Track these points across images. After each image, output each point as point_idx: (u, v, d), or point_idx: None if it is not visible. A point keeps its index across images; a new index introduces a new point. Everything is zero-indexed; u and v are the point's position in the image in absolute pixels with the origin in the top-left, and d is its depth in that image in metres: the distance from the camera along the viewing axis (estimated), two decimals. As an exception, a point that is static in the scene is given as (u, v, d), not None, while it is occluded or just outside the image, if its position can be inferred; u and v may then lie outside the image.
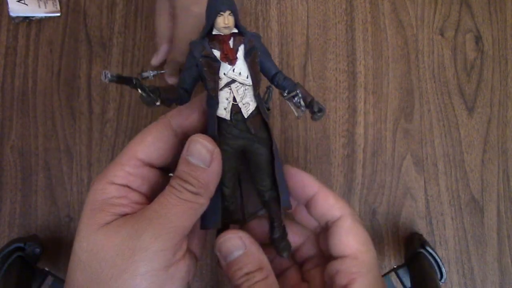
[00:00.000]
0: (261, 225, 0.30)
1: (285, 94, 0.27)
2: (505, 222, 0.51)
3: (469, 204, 0.51)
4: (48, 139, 0.48)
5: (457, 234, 0.50)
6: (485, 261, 0.50)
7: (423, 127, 0.52)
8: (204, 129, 0.28)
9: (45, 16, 0.49)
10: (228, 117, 0.27)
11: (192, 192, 0.25)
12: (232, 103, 0.27)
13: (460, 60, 0.53)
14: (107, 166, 0.27)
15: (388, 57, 0.52)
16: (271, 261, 0.27)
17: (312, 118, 0.27)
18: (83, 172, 0.48)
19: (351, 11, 0.53)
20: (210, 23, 0.26)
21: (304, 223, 0.31)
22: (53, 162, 0.48)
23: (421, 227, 0.50)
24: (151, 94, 0.26)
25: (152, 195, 0.27)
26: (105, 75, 0.23)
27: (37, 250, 0.42)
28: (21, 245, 0.42)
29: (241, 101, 0.27)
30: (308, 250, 0.31)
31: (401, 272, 0.45)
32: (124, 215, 0.25)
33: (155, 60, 0.47)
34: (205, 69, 0.26)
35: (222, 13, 0.26)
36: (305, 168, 0.50)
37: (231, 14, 0.26)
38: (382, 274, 0.46)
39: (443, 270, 0.43)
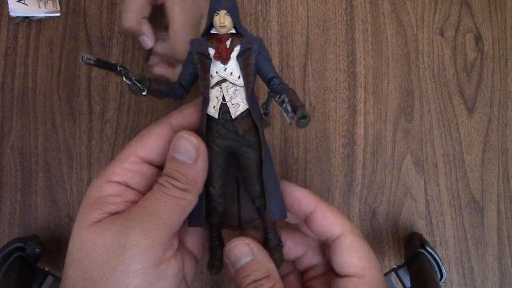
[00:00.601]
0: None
1: (277, 99, 0.27)
2: (505, 222, 0.51)
3: (469, 204, 0.51)
4: (48, 139, 0.48)
5: (457, 234, 0.50)
6: (485, 261, 0.50)
7: (423, 127, 0.52)
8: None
9: (45, 16, 0.49)
10: (216, 115, 0.27)
11: (180, 189, 0.25)
12: (221, 102, 0.27)
13: (460, 60, 0.53)
14: (107, 164, 0.27)
15: (388, 57, 0.52)
16: None
17: (296, 124, 0.26)
18: (83, 172, 0.48)
19: (351, 11, 0.53)
20: (209, 22, 0.27)
21: (310, 234, 0.30)
22: (53, 162, 0.48)
23: (421, 227, 0.50)
24: (138, 84, 0.26)
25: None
26: (81, 58, 0.23)
27: (37, 250, 0.42)
28: (21, 245, 0.42)
29: (230, 101, 0.27)
30: (310, 259, 0.30)
31: (401, 272, 0.45)
32: (115, 213, 0.25)
33: (149, 42, 0.43)
34: (198, 66, 0.27)
35: (218, 12, 0.26)
36: (305, 169, 0.50)
37: (227, 13, 0.26)
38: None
39: (443, 270, 0.43)
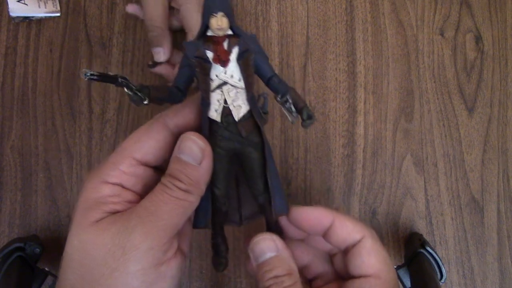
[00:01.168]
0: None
1: (278, 98, 0.27)
2: (505, 222, 0.51)
3: (469, 204, 0.51)
4: (48, 139, 0.48)
5: (457, 234, 0.50)
6: (485, 261, 0.50)
7: (423, 127, 0.52)
8: (199, 129, 0.28)
9: (45, 16, 0.49)
10: (219, 119, 0.27)
11: (182, 190, 0.25)
12: (223, 105, 0.27)
13: (460, 60, 0.53)
14: (100, 164, 0.27)
15: (388, 57, 0.52)
16: None
17: (302, 125, 0.27)
18: (83, 172, 0.48)
19: (351, 11, 0.53)
20: (204, 24, 0.26)
21: (317, 247, 0.31)
22: (53, 162, 0.48)
23: (421, 227, 0.50)
24: (139, 93, 0.26)
25: (146, 194, 0.27)
26: (84, 74, 0.23)
27: (37, 250, 0.42)
28: (21, 245, 0.42)
29: (232, 104, 0.27)
30: (317, 267, 0.31)
31: (401, 272, 0.45)
32: (115, 213, 0.25)
33: (163, 56, 0.42)
34: (197, 70, 0.26)
35: (215, 14, 0.25)
36: (305, 169, 0.50)
37: (224, 15, 0.26)
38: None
39: (443, 270, 0.43)
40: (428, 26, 0.53)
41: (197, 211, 0.27)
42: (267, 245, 0.27)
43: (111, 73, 0.25)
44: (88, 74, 0.23)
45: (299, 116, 0.27)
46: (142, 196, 0.27)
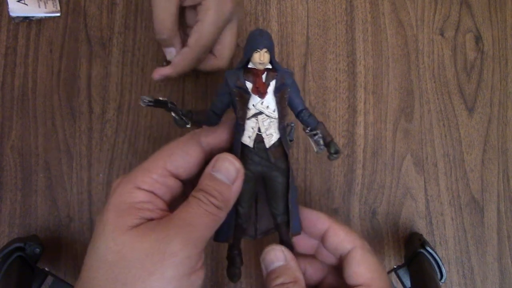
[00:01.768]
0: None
1: (307, 130, 0.30)
2: (505, 222, 0.51)
3: (469, 204, 0.51)
4: (48, 139, 0.48)
5: (457, 234, 0.50)
6: (485, 261, 0.50)
7: (423, 127, 0.52)
8: (229, 150, 0.30)
9: (45, 16, 0.49)
10: (251, 144, 0.29)
11: (215, 206, 0.27)
12: (257, 133, 0.29)
13: (460, 60, 0.53)
14: (133, 170, 0.28)
15: (388, 57, 0.52)
16: None
17: (328, 157, 0.30)
18: (83, 172, 0.48)
19: (351, 11, 0.53)
20: (247, 57, 0.28)
21: (325, 260, 0.33)
22: (53, 162, 0.48)
23: (421, 227, 0.50)
24: (184, 118, 0.29)
25: (172, 205, 0.29)
26: (142, 101, 0.26)
27: (37, 250, 0.42)
28: (21, 245, 0.41)
29: (265, 132, 0.29)
30: (331, 282, 0.33)
31: (401, 272, 0.45)
32: (150, 219, 0.26)
33: (174, 54, 0.42)
34: (236, 98, 0.29)
35: (259, 50, 0.28)
36: (305, 169, 0.50)
37: (267, 51, 0.28)
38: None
39: (443, 270, 0.43)
40: (428, 26, 0.53)
41: (221, 226, 0.29)
42: (276, 255, 0.29)
43: (161, 99, 0.27)
44: (146, 101, 0.26)
45: (325, 148, 0.30)
46: (169, 206, 0.28)
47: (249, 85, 0.28)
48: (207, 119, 0.30)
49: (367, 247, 0.30)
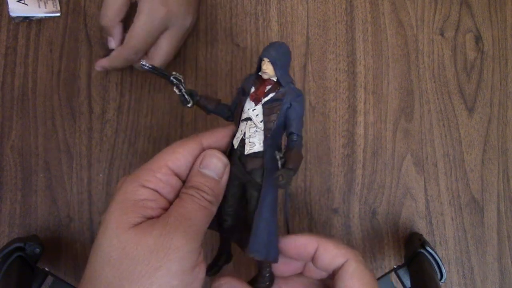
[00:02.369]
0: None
1: (277, 152, 0.28)
2: (505, 222, 0.51)
3: (469, 204, 0.51)
4: (48, 139, 0.48)
5: (457, 234, 0.50)
6: (485, 261, 0.50)
7: (423, 127, 0.52)
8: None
9: (45, 16, 0.49)
10: (236, 146, 0.30)
11: (208, 200, 0.28)
12: (242, 137, 0.29)
13: (460, 60, 0.53)
14: (137, 169, 0.29)
15: (388, 57, 0.52)
16: None
17: (275, 176, 0.26)
18: (83, 172, 0.48)
19: (351, 11, 0.53)
20: (258, 65, 0.29)
21: (313, 276, 0.32)
22: (53, 162, 0.48)
23: (421, 227, 0.50)
24: (186, 95, 0.29)
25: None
26: (142, 64, 0.26)
27: (37, 250, 0.42)
28: (21, 245, 0.41)
29: (248, 138, 0.29)
30: None
31: (401, 272, 0.45)
32: (151, 218, 0.27)
33: (113, 43, 0.45)
34: (238, 97, 0.30)
35: (264, 59, 0.29)
36: (305, 169, 0.50)
37: (269, 62, 0.28)
38: (382, 274, 0.46)
39: (443, 270, 0.43)
40: (428, 26, 0.53)
41: None
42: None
43: (164, 72, 0.28)
44: (142, 63, 0.26)
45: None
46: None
47: (252, 89, 0.29)
48: (215, 107, 0.31)
49: (360, 258, 0.29)
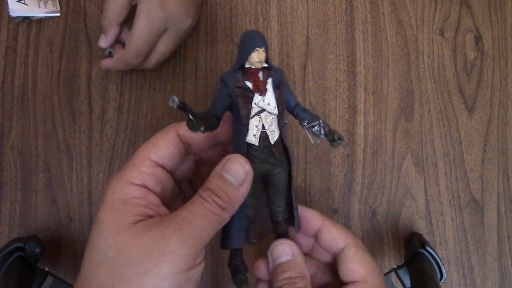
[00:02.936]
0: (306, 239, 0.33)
1: (305, 123, 0.31)
2: (505, 222, 0.51)
3: (469, 204, 0.51)
4: (48, 139, 0.48)
5: (457, 234, 0.50)
6: (485, 261, 0.50)
7: (423, 127, 0.52)
8: (210, 145, 0.31)
9: (45, 16, 0.49)
10: (256, 143, 0.29)
11: (220, 206, 0.27)
12: (261, 130, 0.29)
13: (460, 60, 0.53)
14: (121, 168, 0.29)
15: (388, 57, 0.52)
16: None
17: (331, 145, 0.30)
18: (83, 172, 0.48)
19: (351, 11, 0.53)
20: (245, 57, 0.29)
21: (319, 258, 0.33)
22: (53, 162, 0.48)
23: (421, 227, 0.50)
24: (199, 120, 0.28)
25: (163, 196, 0.29)
26: (173, 101, 0.25)
27: (37, 250, 0.42)
28: (21, 245, 0.42)
29: (269, 129, 0.29)
30: (321, 278, 0.33)
31: (401, 272, 0.45)
32: (145, 215, 0.27)
33: (104, 43, 0.46)
34: (239, 98, 0.29)
35: (258, 48, 0.28)
36: (305, 169, 0.50)
37: (264, 50, 0.29)
38: (382, 274, 0.46)
39: (443, 270, 0.43)
40: (428, 26, 0.53)
41: (229, 231, 0.29)
42: (284, 249, 0.30)
43: (186, 103, 0.27)
44: (177, 102, 0.26)
45: (324, 138, 0.31)
46: (161, 198, 0.29)
47: (249, 84, 0.29)
48: (211, 122, 0.29)
49: (360, 244, 0.31)
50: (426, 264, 0.43)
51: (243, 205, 0.29)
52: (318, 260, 0.34)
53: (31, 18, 0.49)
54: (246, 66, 0.29)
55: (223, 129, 0.31)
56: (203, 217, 0.26)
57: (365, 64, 0.52)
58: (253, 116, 0.29)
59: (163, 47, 0.45)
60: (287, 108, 0.31)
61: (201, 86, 0.50)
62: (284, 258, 0.30)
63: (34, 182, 0.47)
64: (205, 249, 0.29)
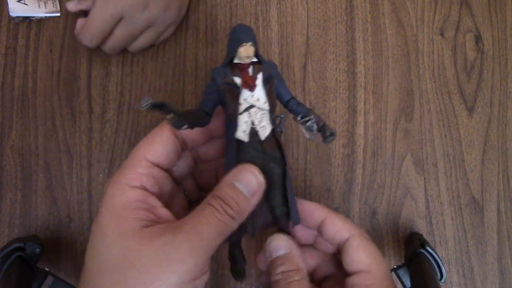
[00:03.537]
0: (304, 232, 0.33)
1: (299, 118, 0.30)
2: (505, 222, 0.51)
3: (469, 204, 0.51)
4: (48, 139, 0.48)
5: (457, 234, 0.50)
6: (485, 261, 0.50)
7: (423, 127, 0.52)
8: (206, 141, 0.31)
9: (45, 16, 0.49)
10: (246, 139, 0.29)
11: (229, 215, 0.26)
12: (251, 127, 0.29)
13: (460, 60, 0.53)
14: (118, 170, 0.28)
15: (388, 57, 0.52)
16: None
17: (323, 141, 0.30)
18: (83, 172, 0.48)
19: (351, 11, 0.53)
20: (232, 53, 0.29)
21: (323, 249, 0.33)
22: (53, 162, 0.48)
23: (421, 227, 0.50)
24: (181, 118, 0.28)
25: (161, 196, 0.29)
26: (145, 102, 0.25)
27: (37, 250, 0.42)
28: (21, 245, 0.41)
29: (258, 125, 0.29)
30: (325, 270, 0.33)
31: (401, 272, 0.45)
32: (147, 219, 0.26)
33: (71, 6, 0.46)
34: (227, 95, 0.29)
35: (245, 44, 0.28)
36: (305, 169, 0.50)
37: (252, 45, 0.28)
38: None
39: (443, 270, 0.43)
40: (428, 26, 0.53)
41: None
42: (280, 243, 0.30)
43: (159, 101, 0.27)
44: (147, 104, 0.25)
45: (317, 133, 0.30)
46: (160, 198, 0.28)
47: (237, 80, 0.29)
48: (198, 119, 0.29)
49: (365, 234, 0.31)
50: (426, 264, 0.43)
51: None
52: (322, 252, 0.33)
53: (31, 18, 0.49)
54: (236, 61, 0.29)
55: (217, 124, 0.31)
56: (212, 227, 0.26)
57: (365, 64, 0.52)
58: (242, 112, 0.29)
59: (119, 34, 0.45)
60: (281, 102, 0.31)
61: (201, 86, 0.50)
62: (280, 252, 0.30)
63: (34, 182, 0.47)
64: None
